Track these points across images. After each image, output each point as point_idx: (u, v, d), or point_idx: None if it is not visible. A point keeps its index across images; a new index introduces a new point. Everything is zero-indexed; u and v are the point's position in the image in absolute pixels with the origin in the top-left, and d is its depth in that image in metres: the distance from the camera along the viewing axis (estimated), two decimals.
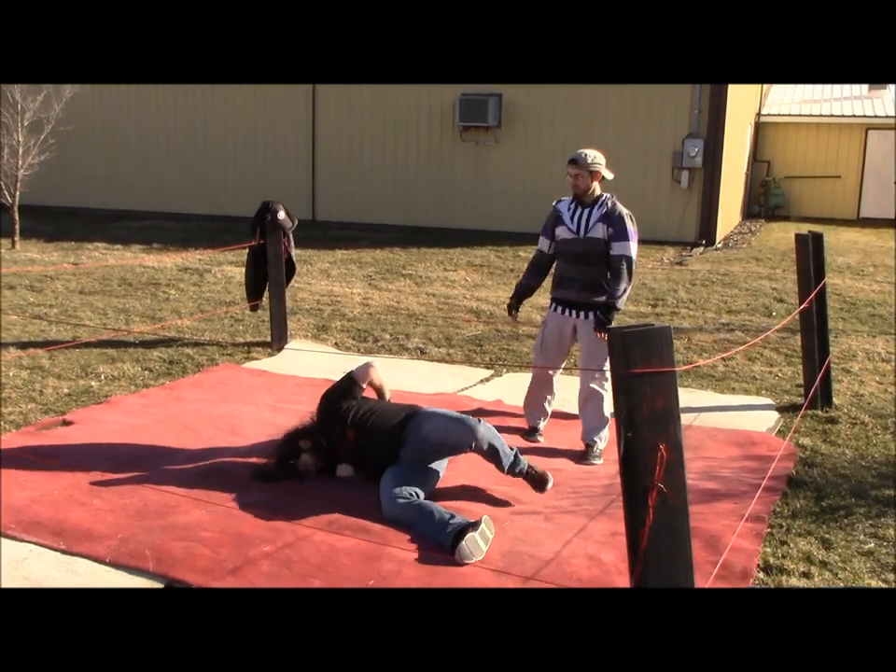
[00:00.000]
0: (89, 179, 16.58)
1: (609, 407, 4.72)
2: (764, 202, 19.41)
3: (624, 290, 4.72)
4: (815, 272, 5.47)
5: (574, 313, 4.89)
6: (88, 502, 4.01)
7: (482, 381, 6.37)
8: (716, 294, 9.87)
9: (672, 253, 12.97)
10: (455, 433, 4.05)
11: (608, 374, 4.86)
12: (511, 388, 6.15)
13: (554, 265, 5.04)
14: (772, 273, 11.23)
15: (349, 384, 4.42)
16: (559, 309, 4.96)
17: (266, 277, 7.16)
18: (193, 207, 15.94)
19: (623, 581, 3.34)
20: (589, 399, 4.91)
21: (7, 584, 3.31)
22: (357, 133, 15.07)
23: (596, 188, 4.79)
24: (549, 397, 5.17)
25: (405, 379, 6.24)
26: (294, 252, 7.32)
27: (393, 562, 3.53)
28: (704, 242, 13.63)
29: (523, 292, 5.16)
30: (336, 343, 7.41)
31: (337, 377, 6.23)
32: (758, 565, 3.62)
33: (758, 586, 3.49)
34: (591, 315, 4.82)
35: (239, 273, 9.47)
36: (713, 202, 13.67)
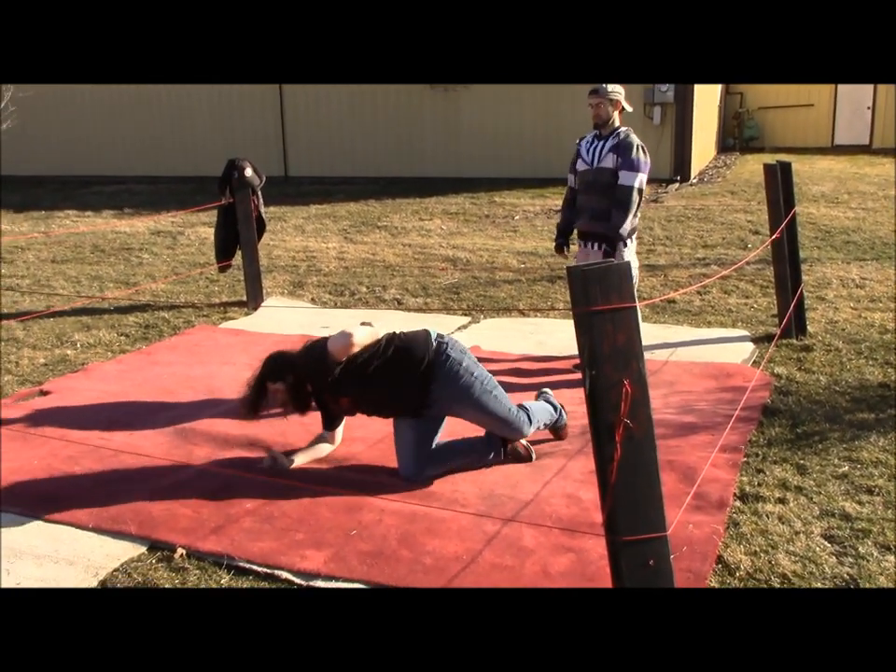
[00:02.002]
0: (54, 146, 16.29)
1: None
2: (739, 134, 19.33)
3: (625, 220, 4.78)
4: (785, 201, 5.46)
5: (586, 242, 5.04)
6: (67, 470, 4.01)
7: (459, 328, 6.38)
8: (691, 230, 9.87)
9: (647, 191, 12.91)
10: (504, 431, 3.91)
11: None
12: (488, 334, 6.16)
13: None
14: (747, 206, 11.23)
15: (324, 363, 3.74)
16: (580, 242, 5.12)
17: (237, 236, 7.10)
18: (163, 169, 15.72)
19: (601, 517, 3.39)
20: None
21: None
22: (324, 86, 14.82)
23: (616, 118, 4.89)
24: None
25: (383, 331, 6.24)
26: (263, 209, 7.25)
27: (374, 511, 3.56)
28: (678, 178, 13.59)
29: (564, 228, 5.27)
30: (312, 299, 7.38)
31: (313, 332, 6.25)
32: (734, 494, 3.68)
33: (729, 575, 3.54)
34: (596, 244, 4.94)
35: (213, 234, 9.39)
36: (686, 137, 13.59)
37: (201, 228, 10.89)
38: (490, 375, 3.90)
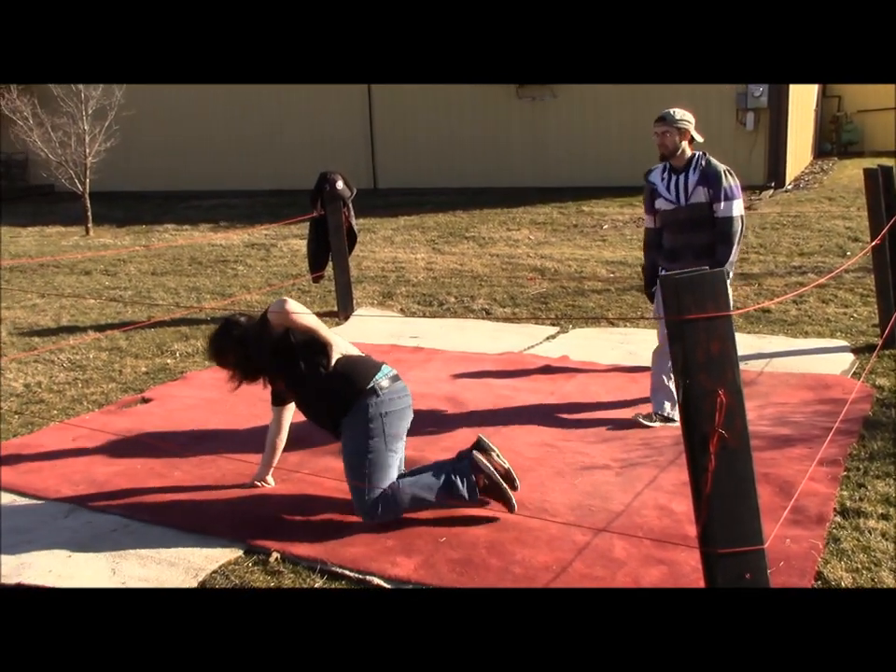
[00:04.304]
0: (154, 162, 16.90)
1: None
2: (836, 138, 18.72)
3: (731, 253, 4.46)
4: (886, 207, 5.28)
5: None
6: (168, 474, 4.16)
7: (548, 338, 6.36)
8: (787, 237, 9.61)
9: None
10: (354, 499, 3.61)
11: None
12: (577, 344, 6.13)
13: (663, 238, 4.75)
14: (846, 212, 10.87)
15: (265, 335, 3.70)
16: None
17: (328, 248, 7.24)
18: (257, 183, 16.13)
19: (694, 529, 3.33)
20: None
21: (102, 556, 3.45)
22: (412, 97, 15.00)
23: (686, 148, 4.55)
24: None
25: (471, 340, 6.28)
26: (354, 221, 7.38)
27: (462, 519, 3.58)
28: (773, 184, 13.25)
29: (653, 274, 4.83)
30: (402, 309, 7.47)
31: (402, 342, 6.33)
32: (834, 508, 3.57)
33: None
34: None
35: (304, 246, 9.60)
36: (781, 142, 13.25)
37: (293, 240, 11.14)
38: (391, 451, 3.57)
